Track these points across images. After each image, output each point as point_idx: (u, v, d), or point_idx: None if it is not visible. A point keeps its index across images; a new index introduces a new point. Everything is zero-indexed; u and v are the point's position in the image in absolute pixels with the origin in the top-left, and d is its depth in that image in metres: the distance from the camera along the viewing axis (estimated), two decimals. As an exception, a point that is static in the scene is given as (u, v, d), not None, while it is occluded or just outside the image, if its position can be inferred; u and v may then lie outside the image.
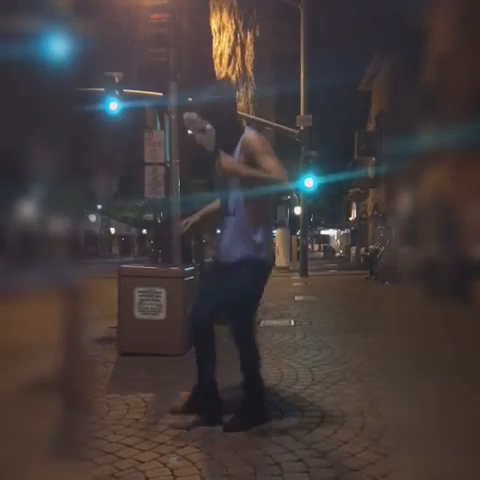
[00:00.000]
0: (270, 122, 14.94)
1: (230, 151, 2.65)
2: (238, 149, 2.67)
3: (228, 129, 2.67)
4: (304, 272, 15.17)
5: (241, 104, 16.04)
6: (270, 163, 2.60)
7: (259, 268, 2.76)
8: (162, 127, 5.43)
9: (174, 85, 4.96)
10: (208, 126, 2.64)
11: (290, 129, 14.28)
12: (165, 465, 2.23)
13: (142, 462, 2.26)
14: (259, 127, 15.69)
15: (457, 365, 3.94)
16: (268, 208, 2.82)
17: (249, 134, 2.69)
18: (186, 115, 2.68)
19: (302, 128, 14.08)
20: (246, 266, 2.70)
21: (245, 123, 2.73)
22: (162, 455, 2.33)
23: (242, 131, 2.72)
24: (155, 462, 2.26)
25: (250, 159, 2.62)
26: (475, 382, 3.50)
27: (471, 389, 3.32)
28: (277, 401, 3.12)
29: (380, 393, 3.25)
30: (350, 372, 3.78)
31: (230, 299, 2.73)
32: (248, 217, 2.68)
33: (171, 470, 2.19)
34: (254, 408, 2.73)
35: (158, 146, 5.12)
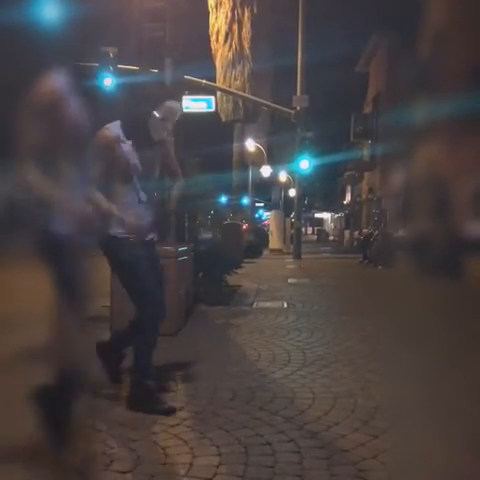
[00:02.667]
0: (266, 102, 14.80)
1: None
2: None
3: None
4: (297, 255, 15.19)
5: (237, 83, 15.86)
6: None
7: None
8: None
9: (170, 61, 4.85)
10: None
11: (286, 109, 14.15)
12: (157, 443, 2.24)
13: (134, 440, 2.26)
14: (254, 107, 15.57)
15: (448, 346, 3.98)
16: None
17: None
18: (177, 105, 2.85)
19: (298, 109, 13.93)
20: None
21: None
22: (154, 434, 2.34)
23: None
24: (147, 440, 2.27)
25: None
26: (466, 362, 3.53)
27: (462, 369, 3.35)
28: (269, 382, 3.13)
29: (371, 375, 3.27)
30: (342, 354, 3.79)
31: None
32: None
33: (163, 448, 2.19)
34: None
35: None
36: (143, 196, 2.77)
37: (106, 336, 4.13)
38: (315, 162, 16.38)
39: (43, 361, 2.20)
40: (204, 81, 12.83)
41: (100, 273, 4.67)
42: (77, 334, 2.18)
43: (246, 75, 15.77)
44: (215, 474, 1.98)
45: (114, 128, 2.74)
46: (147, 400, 2.63)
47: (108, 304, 4.37)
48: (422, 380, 3.19)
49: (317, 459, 2.13)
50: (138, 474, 1.96)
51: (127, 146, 2.72)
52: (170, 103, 2.80)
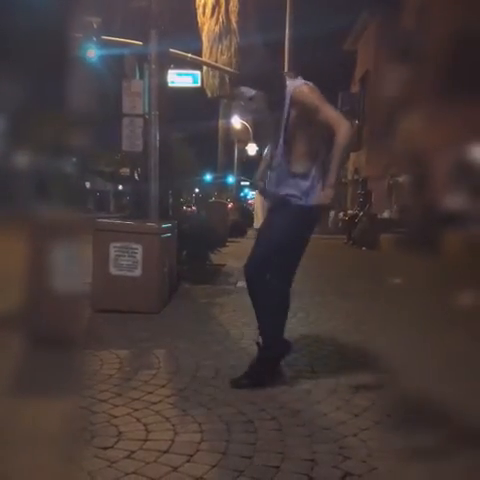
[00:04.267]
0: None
1: (280, 108, 2.59)
2: (287, 103, 2.58)
3: (272, 87, 2.63)
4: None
5: (224, 57, 15.59)
6: (329, 113, 2.57)
7: (302, 213, 2.66)
8: (141, 77, 5.20)
9: (155, 33, 4.71)
10: (253, 92, 2.66)
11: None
12: (139, 420, 2.22)
13: (115, 417, 2.24)
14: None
15: (434, 324, 4.04)
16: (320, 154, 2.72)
17: (296, 86, 2.60)
18: (236, 92, 2.79)
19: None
20: (287, 208, 2.65)
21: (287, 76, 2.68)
22: (136, 410, 2.32)
23: (284, 85, 2.62)
24: (128, 417, 2.25)
25: (304, 112, 2.58)
26: (449, 341, 3.58)
27: (441, 342, 3.40)
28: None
29: (354, 355, 3.30)
30: (325, 334, 3.82)
31: (267, 241, 2.74)
32: (297, 162, 2.64)
33: (145, 425, 2.18)
34: (262, 367, 2.74)
35: (136, 96, 4.91)
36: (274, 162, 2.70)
37: (87, 313, 4.11)
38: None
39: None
40: (190, 55, 12.57)
41: (82, 250, 4.63)
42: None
43: (233, 50, 15.52)
44: (197, 451, 1.98)
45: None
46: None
47: (90, 281, 4.31)
48: (404, 360, 3.23)
49: (299, 436, 2.14)
50: (119, 450, 1.94)
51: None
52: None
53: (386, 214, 15.01)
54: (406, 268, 6.45)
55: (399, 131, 2.37)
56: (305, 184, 2.63)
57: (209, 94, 16.33)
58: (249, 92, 2.70)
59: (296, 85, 2.60)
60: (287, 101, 2.58)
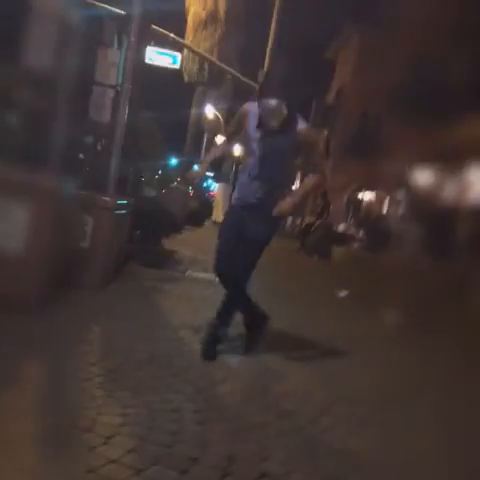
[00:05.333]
0: (232, 70, 14.46)
1: (285, 135, 2.97)
2: (294, 135, 2.98)
3: (293, 113, 3.00)
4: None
5: (206, 44, 15.40)
6: (319, 157, 3.25)
7: (277, 220, 3.24)
8: (119, 48, 5.04)
9: (139, 4, 4.57)
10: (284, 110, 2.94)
11: (250, 82, 13.95)
12: (64, 395, 2.16)
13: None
14: (219, 73, 15.23)
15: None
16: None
17: (306, 126, 3.04)
18: (270, 102, 2.90)
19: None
20: (274, 219, 3.13)
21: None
22: (63, 385, 2.25)
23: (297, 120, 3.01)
24: (55, 391, 2.18)
25: (305, 147, 3.08)
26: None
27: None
28: (188, 351, 3.12)
29: (291, 355, 3.34)
30: (265, 335, 3.83)
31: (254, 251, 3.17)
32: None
33: (69, 401, 2.12)
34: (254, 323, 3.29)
35: (112, 66, 4.76)
36: (254, 173, 3.02)
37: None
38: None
39: None
40: (172, 35, 12.33)
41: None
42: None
43: (216, 38, 15.35)
44: (116, 434, 1.94)
45: (251, 105, 3.05)
46: None
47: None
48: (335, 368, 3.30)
49: (221, 432, 2.13)
50: (38, 422, 1.88)
51: (252, 124, 2.98)
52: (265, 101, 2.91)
53: (342, 227, 15.34)
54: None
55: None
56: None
57: (186, 78, 16.10)
58: (281, 107, 2.92)
59: (303, 125, 3.03)
60: (295, 134, 2.98)
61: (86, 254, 3.99)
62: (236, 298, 3.19)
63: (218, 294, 5.05)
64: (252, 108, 3.03)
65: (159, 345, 3.09)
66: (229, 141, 3.46)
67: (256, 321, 3.32)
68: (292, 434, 2.24)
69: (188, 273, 6.14)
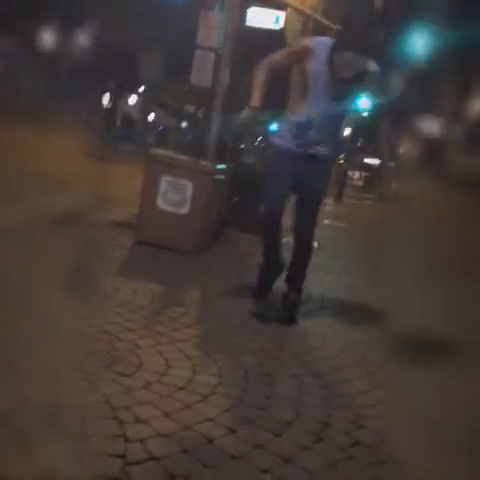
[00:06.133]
0: (338, 28, 13.69)
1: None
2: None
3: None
4: (339, 198, 14.83)
5: (309, 1, 14.68)
6: None
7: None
8: (221, 10, 4.97)
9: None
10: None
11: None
12: (161, 354, 2.25)
13: (139, 347, 2.28)
14: (324, 32, 14.51)
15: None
16: None
17: None
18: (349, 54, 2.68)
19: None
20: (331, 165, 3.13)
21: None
22: (160, 344, 2.35)
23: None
24: (152, 349, 2.28)
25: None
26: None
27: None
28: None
29: (389, 329, 3.20)
30: (363, 302, 3.72)
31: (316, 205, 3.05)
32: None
33: (166, 360, 2.21)
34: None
35: (213, 29, 4.72)
36: (313, 116, 2.80)
37: (129, 243, 4.19)
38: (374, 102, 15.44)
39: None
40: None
41: (135, 182, 4.67)
42: None
43: (319, -3, 14.63)
44: (212, 393, 1.99)
45: (317, 40, 2.82)
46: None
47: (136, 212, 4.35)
48: (437, 335, 3.10)
49: (316, 397, 2.11)
50: (136, 378, 1.98)
51: (317, 65, 2.74)
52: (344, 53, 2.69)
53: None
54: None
55: None
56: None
57: (289, 39, 15.47)
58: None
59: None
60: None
61: (185, 220, 4.09)
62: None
63: (316, 262, 4.99)
64: (320, 44, 2.77)
65: (255, 310, 3.10)
66: (274, 74, 3.01)
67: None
68: (389, 404, 2.15)
69: (285, 239, 6.09)
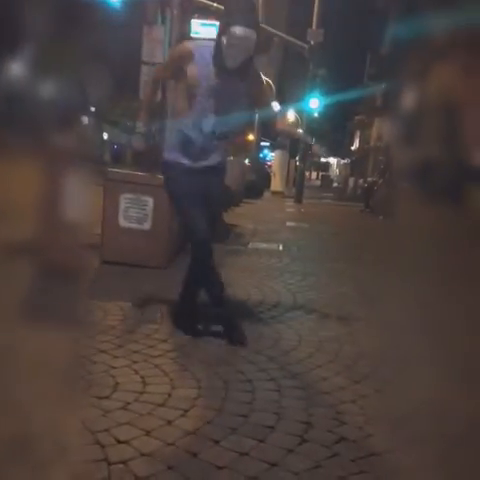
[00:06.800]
0: (279, 33, 14.03)
1: (243, 76, 2.59)
2: (248, 81, 2.64)
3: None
4: (299, 199, 15.06)
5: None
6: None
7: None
8: (163, 23, 4.98)
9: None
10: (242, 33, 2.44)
11: (300, 43, 13.49)
12: (137, 372, 2.23)
13: (114, 367, 2.25)
14: (268, 36, 14.79)
15: (446, 292, 3.96)
16: None
17: (263, 78, 2.83)
18: (242, 31, 2.41)
19: (312, 43, 13.26)
20: (222, 171, 2.82)
21: None
22: (135, 362, 2.32)
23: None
24: (127, 369, 2.25)
25: (257, 93, 2.75)
26: (457, 307, 3.51)
27: (455, 315, 3.33)
28: (256, 322, 3.11)
29: (359, 323, 3.26)
30: (333, 300, 3.77)
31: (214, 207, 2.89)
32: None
33: (142, 377, 2.18)
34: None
35: (158, 43, 4.72)
36: (208, 125, 2.60)
37: (95, 264, 4.12)
38: (325, 101, 15.82)
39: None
40: (215, 4, 12.09)
41: (95, 202, 4.59)
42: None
43: (260, 1, 14.88)
44: (192, 406, 1.97)
45: (195, 44, 2.61)
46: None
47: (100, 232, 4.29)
48: (411, 330, 3.18)
49: (296, 399, 2.12)
50: (115, 400, 1.95)
51: (202, 66, 2.51)
52: (235, 29, 2.40)
53: (406, 183, 14.66)
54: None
55: (432, 77, 2.27)
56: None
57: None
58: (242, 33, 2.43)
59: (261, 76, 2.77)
60: (254, 83, 2.67)
61: (148, 235, 4.07)
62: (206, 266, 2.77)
63: (281, 264, 5.06)
64: (198, 48, 2.54)
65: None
66: (158, 88, 2.88)
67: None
68: (369, 398, 2.19)
69: (250, 245, 6.14)
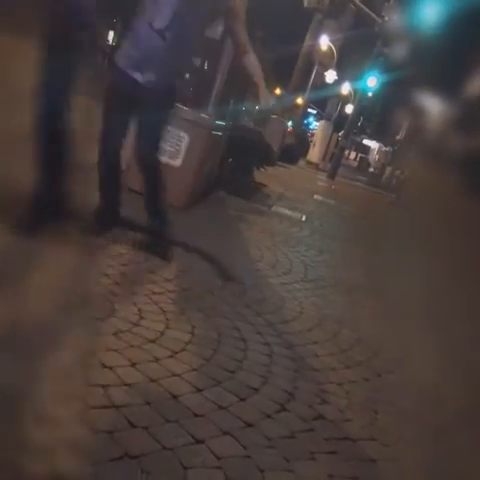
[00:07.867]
0: (355, -1, 13.29)
1: None
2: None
3: None
4: (332, 175, 14.76)
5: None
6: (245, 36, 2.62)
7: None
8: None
9: None
10: None
11: (374, 15, 12.83)
12: (135, 304, 2.21)
13: (114, 294, 2.23)
14: (341, 1, 14.07)
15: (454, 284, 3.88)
16: None
17: None
18: None
19: (386, 19, 12.61)
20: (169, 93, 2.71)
21: None
22: (135, 294, 2.31)
23: None
24: (125, 298, 2.23)
25: (229, 22, 2.60)
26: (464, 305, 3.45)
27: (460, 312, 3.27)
28: (263, 284, 3.08)
29: (364, 310, 3.21)
30: (342, 281, 3.72)
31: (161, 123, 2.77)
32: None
33: (139, 310, 2.17)
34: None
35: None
36: (159, 22, 2.44)
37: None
38: (382, 82, 15.16)
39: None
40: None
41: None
42: None
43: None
44: (182, 350, 1.96)
45: None
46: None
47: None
48: (412, 321, 3.12)
49: (285, 368, 2.10)
50: (107, 325, 1.94)
51: None
52: None
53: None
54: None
55: None
56: None
57: (306, 3, 14.89)
58: None
59: None
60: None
61: (177, 172, 3.98)
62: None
63: (301, 235, 4.98)
64: None
65: (234, 274, 3.07)
66: None
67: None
68: (356, 384, 2.16)
69: (274, 208, 6.05)
